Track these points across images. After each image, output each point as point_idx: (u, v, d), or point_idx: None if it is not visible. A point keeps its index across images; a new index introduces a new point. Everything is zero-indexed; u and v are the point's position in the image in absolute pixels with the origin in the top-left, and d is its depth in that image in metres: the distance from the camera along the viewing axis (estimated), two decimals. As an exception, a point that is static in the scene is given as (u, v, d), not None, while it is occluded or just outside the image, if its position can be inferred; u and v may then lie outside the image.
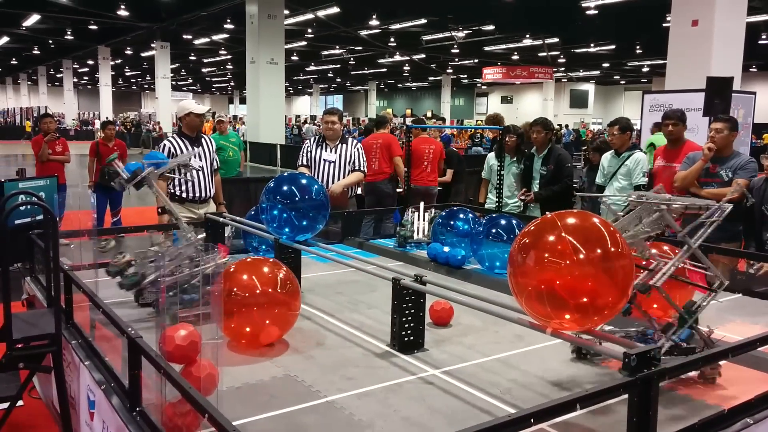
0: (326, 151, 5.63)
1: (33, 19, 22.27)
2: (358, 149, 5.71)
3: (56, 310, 2.75)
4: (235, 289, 2.82)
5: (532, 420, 1.55)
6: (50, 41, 28.95)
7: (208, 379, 2.12)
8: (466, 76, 41.70)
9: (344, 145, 5.67)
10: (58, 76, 42.03)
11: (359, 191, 6.97)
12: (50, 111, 20.68)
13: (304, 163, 5.65)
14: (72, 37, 26.69)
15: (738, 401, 2.08)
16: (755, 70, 31.47)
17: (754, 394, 2.12)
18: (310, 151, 5.66)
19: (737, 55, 8.54)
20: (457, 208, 5.11)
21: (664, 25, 14.60)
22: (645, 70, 34.04)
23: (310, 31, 23.60)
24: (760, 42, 21.82)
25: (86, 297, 2.76)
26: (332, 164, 5.59)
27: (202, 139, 5.32)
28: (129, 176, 3.36)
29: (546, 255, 2.08)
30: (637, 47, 26.40)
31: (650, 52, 26.20)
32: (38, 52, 33.37)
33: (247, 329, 2.84)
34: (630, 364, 1.77)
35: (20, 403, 3.23)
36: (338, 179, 5.55)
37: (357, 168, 5.65)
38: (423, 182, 7.44)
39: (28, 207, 3.70)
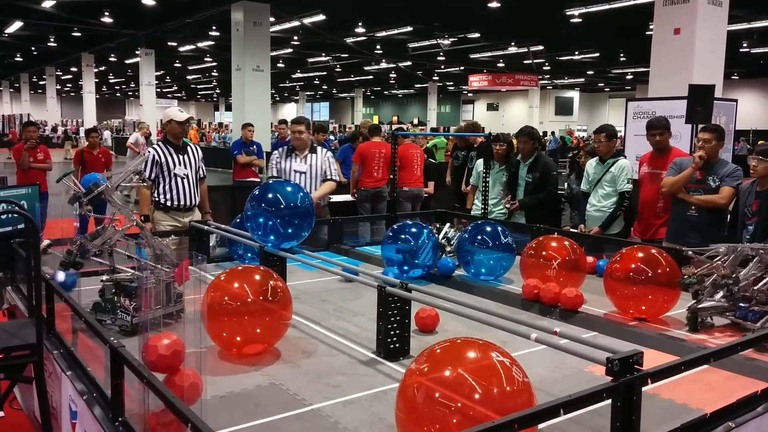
0: (296, 161, 5.52)
1: (15, 26, 22.05)
2: (328, 158, 5.63)
3: (37, 319, 2.72)
4: (226, 298, 2.81)
5: (516, 426, 1.55)
6: (33, 48, 28.69)
7: (192, 389, 2.11)
8: (452, 83, 41.87)
9: (314, 155, 5.58)
10: (41, 83, 41.64)
11: (331, 199, 7.05)
12: (33, 118, 20.48)
13: (274, 174, 5.54)
14: (55, 44, 26.46)
15: (720, 405, 2.10)
16: (737, 77, 31.91)
17: (736, 398, 2.14)
18: (280, 163, 5.55)
19: (719, 62, 8.63)
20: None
21: (646, 33, 14.77)
22: (629, 77, 34.37)
23: (296, 38, 23.56)
24: (741, 50, 22.12)
25: (68, 306, 2.74)
26: (303, 175, 5.49)
27: (188, 147, 5.29)
28: (85, 191, 3.31)
29: (437, 395, 1.79)
30: (621, 55, 26.66)
31: (634, 59, 26.47)
32: (21, 59, 33.02)
33: (238, 338, 2.83)
34: (613, 369, 1.78)
35: (1, 414, 3.19)
36: (311, 190, 5.48)
37: (329, 177, 5.57)
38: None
39: (10, 216, 3.66)
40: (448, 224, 5.06)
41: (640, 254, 3.55)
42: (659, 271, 3.43)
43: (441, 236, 4.83)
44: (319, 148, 5.74)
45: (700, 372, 2.62)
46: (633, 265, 3.49)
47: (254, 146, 10.11)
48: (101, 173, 3.82)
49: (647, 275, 3.42)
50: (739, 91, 29.27)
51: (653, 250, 3.60)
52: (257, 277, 2.94)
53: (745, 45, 21.55)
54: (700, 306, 3.26)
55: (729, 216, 4.77)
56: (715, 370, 2.68)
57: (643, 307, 3.49)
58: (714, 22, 8.50)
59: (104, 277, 3.25)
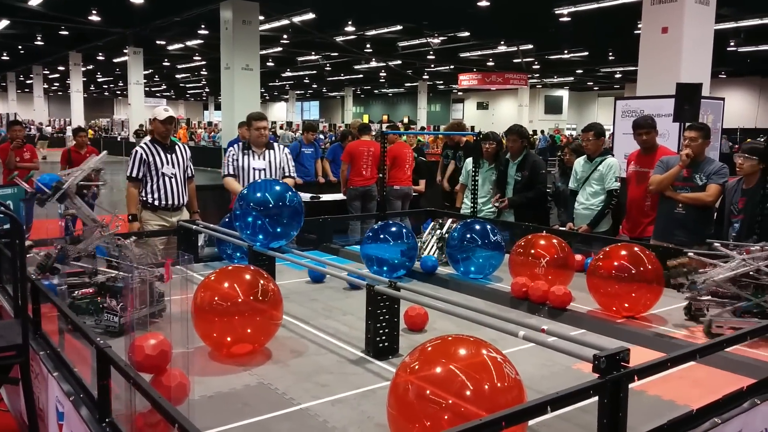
0: (254, 158, 5.34)
1: (2, 24, 21.84)
2: (286, 154, 5.50)
3: (23, 320, 2.69)
4: (216, 298, 2.81)
5: (503, 423, 1.55)
6: (20, 47, 28.44)
7: (179, 389, 2.10)
8: (442, 82, 41.91)
9: (271, 151, 5.41)
10: (28, 82, 41.27)
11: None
12: (20, 118, 20.30)
13: (231, 172, 5.34)
14: (42, 43, 26.24)
15: (706, 401, 2.11)
16: (724, 76, 32.14)
17: (722, 394, 2.16)
18: (236, 160, 5.35)
19: (706, 61, 8.69)
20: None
21: (635, 32, 14.85)
22: (617, 76, 34.53)
23: (285, 37, 23.50)
24: (728, 49, 22.29)
25: (54, 307, 2.72)
26: (262, 172, 5.33)
27: (176, 146, 5.26)
28: (52, 191, 3.32)
29: (428, 391, 1.80)
30: (610, 54, 26.80)
31: (622, 58, 26.62)
32: (7, 58, 32.72)
33: (228, 339, 2.83)
34: (600, 366, 1.79)
35: (-13, 416, 3.16)
36: None
37: (288, 174, 5.44)
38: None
39: (-5, 216, 3.63)
40: (450, 220, 5.09)
41: (623, 252, 3.59)
42: (642, 268, 3.46)
43: (444, 231, 4.87)
44: (275, 144, 5.57)
45: (687, 368, 2.64)
46: (616, 263, 3.52)
47: None
48: None
49: (630, 272, 3.46)
50: (726, 89, 29.44)
51: (636, 248, 3.63)
52: (248, 277, 2.93)
53: (732, 44, 21.71)
54: (698, 298, 3.31)
55: (716, 213, 4.81)
56: (702, 367, 2.70)
57: (626, 305, 3.52)
58: (701, 21, 8.55)
59: (55, 281, 3.22)
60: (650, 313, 3.58)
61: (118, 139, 32.95)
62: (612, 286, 3.49)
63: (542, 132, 34.10)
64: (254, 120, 5.43)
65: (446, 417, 1.75)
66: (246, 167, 5.32)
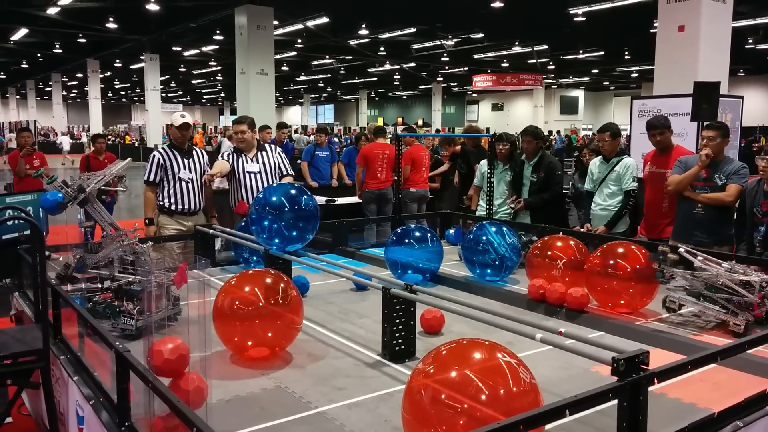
0: (247, 162, 5.27)
1: (21, 33, 22.19)
2: (280, 154, 5.45)
3: (44, 325, 2.73)
4: (237, 302, 2.82)
5: (521, 427, 1.54)
6: (39, 55, 28.86)
7: (197, 393, 2.11)
8: (456, 83, 41.83)
9: (264, 153, 5.35)
10: (47, 89, 41.87)
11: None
12: (39, 125, 20.54)
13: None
14: (60, 51, 26.61)
15: (728, 404, 2.08)
16: (743, 74, 31.73)
17: (744, 396, 2.13)
18: (229, 164, 5.30)
19: (724, 59, 8.59)
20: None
21: (651, 30, 14.71)
22: (634, 75, 34.23)
23: (299, 41, 23.62)
24: (746, 46, 22.00)
25: (74, 312, 2.75)
26: (257, 175, 5.25)
27: (194, 151, 5.29)
28: (73, 197, 3.41)
29: (444, 396, 1.79)
30: (626, 53, 26.56)
31: (638, 57, 26.37)
32: (27, 66, 33.24)
33: (249, 342, 2.85)
34: (619, 369, 1.77)
35: (9, 420, 3.20)
36: None
37: (286, 173, 5.40)
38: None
39: (16, 222, 3.68)
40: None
41: (620, 249, 3.66)
42: (638, 266, 3.51)
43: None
44: (267, 146, 5.52)
45: (708, 371, 2.60)
46: (611, 261, 3.58)
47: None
48: None
49: (626, 270, 3.51)
50: (745, 87, 29.06)
51: (633, 246, 3.70)
52: (269, 281, 2.95)
53: (750, 41, 21.42)
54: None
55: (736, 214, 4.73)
56: (723, 369, 2.66)
57: (622, 302, 3.58)
58: (719, 18, 8.46)
59: (69, 288, 3.24)
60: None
61: (135, 145, 33.28)
62: (609, 282, 3.55)
63: (558, 133, 33.89)
64: (234, 124, 5.41)
65: (461, 422, 1.74)
66: (240, 172, 5.27)
